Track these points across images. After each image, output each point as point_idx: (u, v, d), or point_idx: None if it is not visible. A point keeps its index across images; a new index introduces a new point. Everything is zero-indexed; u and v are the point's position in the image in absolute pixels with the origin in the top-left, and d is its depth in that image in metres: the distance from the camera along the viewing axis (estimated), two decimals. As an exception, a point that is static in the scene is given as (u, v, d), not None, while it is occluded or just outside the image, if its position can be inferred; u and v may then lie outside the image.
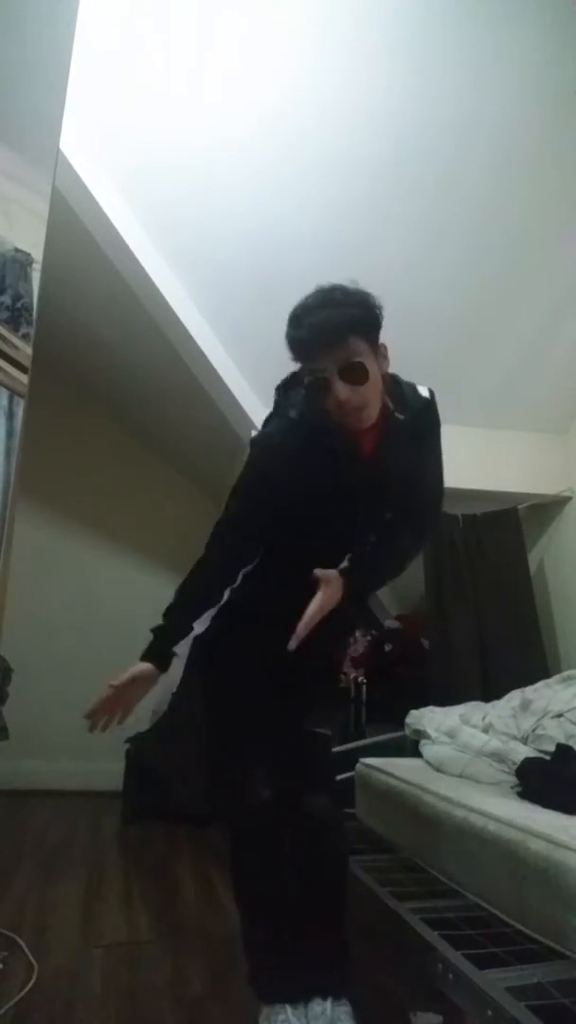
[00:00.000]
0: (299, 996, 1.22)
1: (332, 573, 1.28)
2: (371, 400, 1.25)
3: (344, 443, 1.28)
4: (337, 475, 1.29)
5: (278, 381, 1.43)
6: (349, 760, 2.36)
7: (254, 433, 1.44)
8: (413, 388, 1.39)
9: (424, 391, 1.40)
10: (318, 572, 1.25)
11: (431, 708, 2.56)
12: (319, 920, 1.33)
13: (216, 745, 1.43)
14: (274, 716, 1.36)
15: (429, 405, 1.39)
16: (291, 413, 1.32)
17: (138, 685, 1.32)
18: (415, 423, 1.35)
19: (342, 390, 1.20)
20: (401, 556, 1.48)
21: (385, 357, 1.29)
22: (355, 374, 1.21)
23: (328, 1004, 1.24)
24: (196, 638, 1.44)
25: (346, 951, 1.31)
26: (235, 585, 1.38)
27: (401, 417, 1.32)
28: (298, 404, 1.31)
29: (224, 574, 1.37)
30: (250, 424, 2.84)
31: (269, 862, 1.31)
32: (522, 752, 2.00)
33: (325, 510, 1.31)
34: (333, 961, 1.30)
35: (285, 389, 1.38)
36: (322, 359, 1.20)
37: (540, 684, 2.40)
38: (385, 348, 1.30)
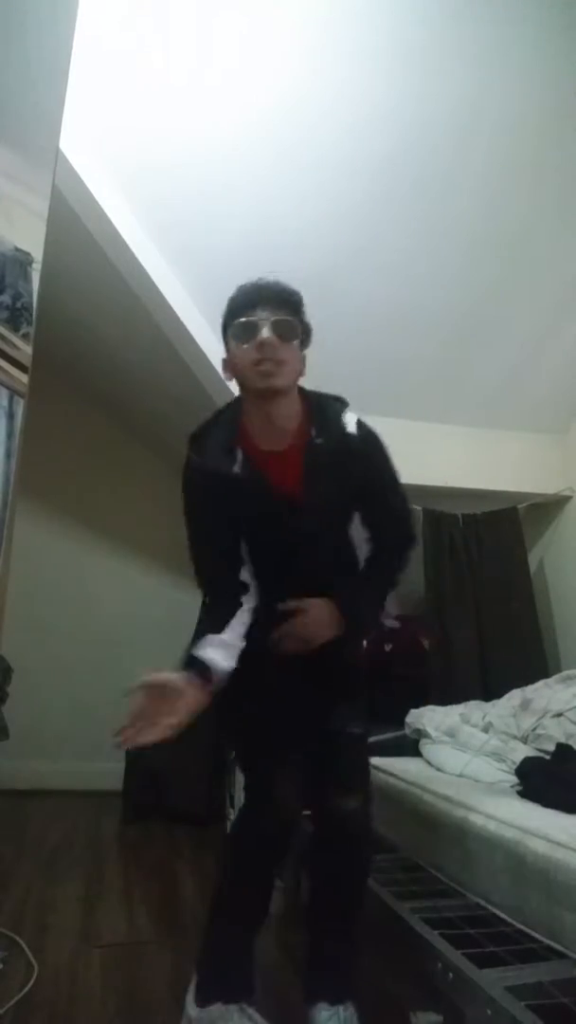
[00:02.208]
0: (242, 997, 1.25)
1: (313, 602, 1.29)
2: (288, 373, 1.27)
3: (261, 485, 1.30)
4: (260, 510, 1.31)
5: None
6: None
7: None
8: (338, 418, 1.35)
9: (350, 424, 1.35)
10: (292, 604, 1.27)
11: (431, 708, 2.56)
12: (332, 927, 1.34)
13: (236, 756, 1.43)
14: (288, 725, 1.33)
15: (349, 436, 1.34)
16: (206, 458, 1.33)
17: (164, 693, 1.17)
18: (341, 450, 1.32)
19: (267, 334, 1.23)
20: (388, 572, 1.45)
21: (302, 363, 1.33)
22: (285, 329, 1.25)
23: (339, 1009, 1.26)
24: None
25: (355, 958, 1.33)
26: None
27: (320, 442, 1.31)
28: (212, 452, 1.33)
29: (222, 582, 1.36)
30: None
31: (262, 884, 1.34)
32: (522, 752, 2.00)
33: (264, 541, 1.33)
34: (342, 968, 1.32)
35: (194, 443, 1.38)
36: (257, 309, 1.25)
37: (540, 684, 2.40)
38: (304, 358, 1.33)
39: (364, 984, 1.35)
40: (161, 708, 1.15)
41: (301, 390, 1.36)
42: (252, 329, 1.24)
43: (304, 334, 1.31)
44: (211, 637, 1.26)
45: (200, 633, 1.28)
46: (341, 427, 1.34)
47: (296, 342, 1.28)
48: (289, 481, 1.30)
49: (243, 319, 1.26)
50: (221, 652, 1.24)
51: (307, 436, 1.32)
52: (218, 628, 1.27)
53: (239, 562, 1.35)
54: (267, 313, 1.25)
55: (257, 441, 1.32)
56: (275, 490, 1.31)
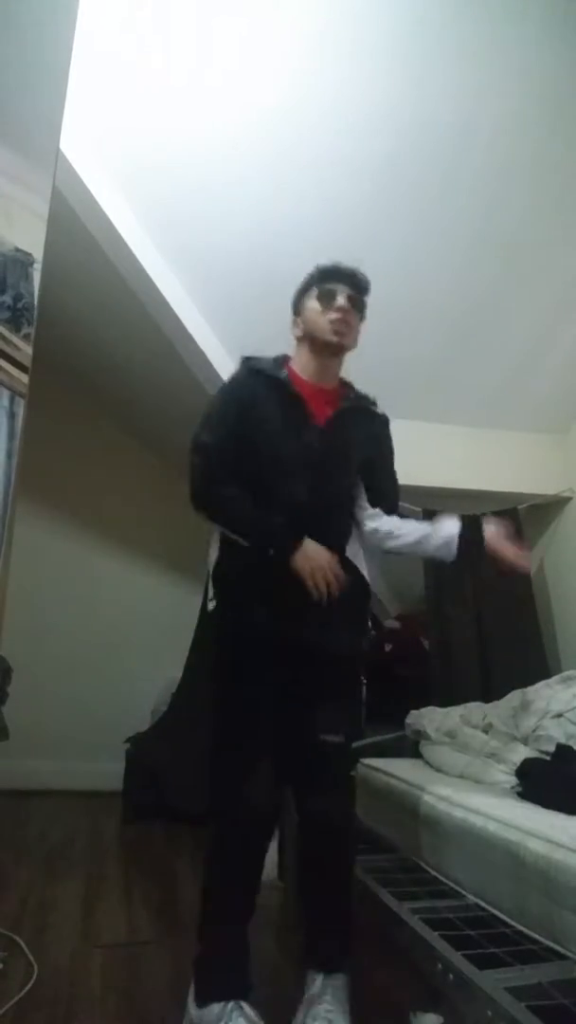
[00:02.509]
0: (239, 995, 1.27)
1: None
2: (353, 336, 1.53)
3: (298, 399, 1.49)
4: (289, 428, 1.46)
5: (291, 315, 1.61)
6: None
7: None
8: (367, 397, 1.63)
9: (378, 408, 1.63)
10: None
11: (431, 708, 2.56)
12: (321, 903, 1.40)
13: (217, 740, 1.44)
14: (277, 713, 1.37)
15: (377, 412, 1.62)
16: (253, 367, 1.54)
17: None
18: (368, 416, 1.60)
19: (344, 301, 1.49)
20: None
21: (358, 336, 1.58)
22: (358, 303, 1.52)
23: (319, 977, 1.30)
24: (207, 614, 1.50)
25: (345, 934, 1.38)
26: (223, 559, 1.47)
27: (353, 398, 1.58)
28: (263, 365, 1.54)
29: (230, 461, 1.47)
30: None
31: (245, 882, 1.36)
32: (522, 752, 2.00)
33: (282, 464, 1.44)
34: (331, 939, 1.37)
35: (246, 360, 1.58)
36: (339, 282, 1.51)
37: (540, 684, 2.40)
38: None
39: (364, 984, 1.35)
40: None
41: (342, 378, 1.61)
42: (333, 295, 1.50)
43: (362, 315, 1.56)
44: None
45: (258, 519, 1.41)
46: (370, 401, 1.62)
47: (359, 316, 1.54)
48: (321, 410, 1.50)
49: (326, 286, 1.51)
50: None
51: (344, 391, 1.58)
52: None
53: (240, 464, 1.46)
54: (345, 287, 1.51)
55: (303, 376, 1.54)
56: (307, 405, 1.49)
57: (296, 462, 1.44)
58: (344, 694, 1.48)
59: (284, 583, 1.33)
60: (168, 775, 3.23)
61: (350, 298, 1.50)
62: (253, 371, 1.53)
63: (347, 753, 1.46)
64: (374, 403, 1.62)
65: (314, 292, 1.52)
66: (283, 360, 1.58)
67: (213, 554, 1.50)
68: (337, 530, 1.50)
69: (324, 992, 1.29)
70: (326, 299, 1.50)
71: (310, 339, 1.53)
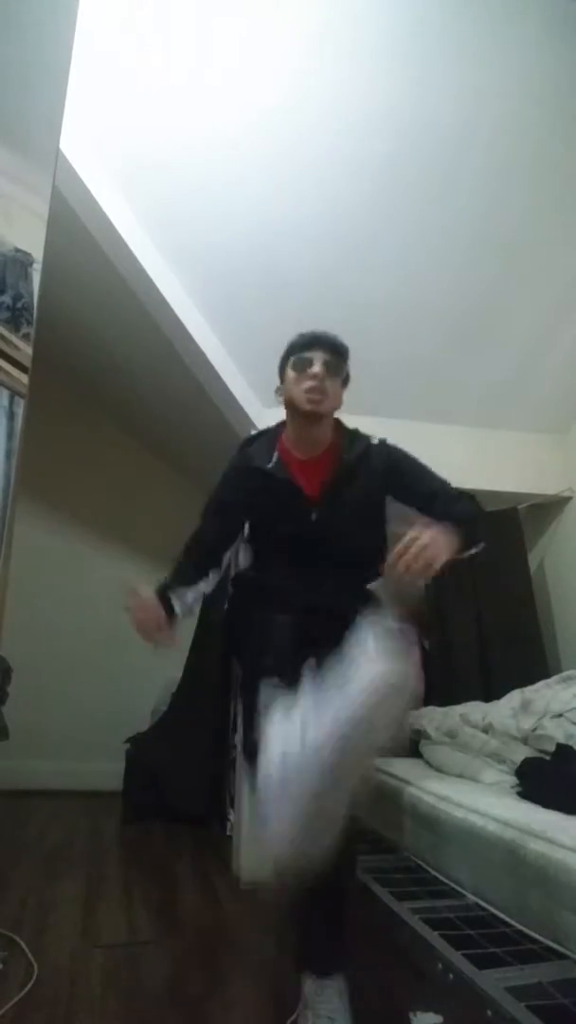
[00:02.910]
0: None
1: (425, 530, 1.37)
2: (331, 401, 1.54)
3: (288, 486, 1.55)
4: (286, 515, 1.54)
5: (277, 380, 1.63)
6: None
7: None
8: (365, 437, 1.63)
9: (374, 439, 1.63)
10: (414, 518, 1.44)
11: (431, 708, 2.56)
12: (316, 907, 1.37)
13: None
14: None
15: (373, 447, 1.61)
16: (250, 462, 1.60)
17: (151, 609, 1.50)
18: (365, 459, 1.59)
19: (319, 368, 1.52)
20: (470, 516, 1.52)
21: (341, 398, 1.60)
22: (332, 367, 1.54)
23: (312, 979, 1.31)
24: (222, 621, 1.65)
25: (341, 936, 1.36)
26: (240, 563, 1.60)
27: (347, 455, 1.58)
28: (256, 454, 1.61)
29: (210, 542, 1.63)
30: (249, 423, 2.85)
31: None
32: (522, 752, 2.00)
33: (288, 545, 1.55)
34: (326, 942, 1.35)
35: (245, 446, 1.66)
36: (314, 350, 1.54)
37: (540, 684, 2.40)
38: (342, 395, 1.62)
39: (364, 984, 1.35)
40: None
41: (337, 420, 1.64)
42: (307, 363, 1.53)
43: (345, 377, 1.59)
44: (188, 589, 1.56)
45: (181, 576, 1.57)
46: (366, 440, 1.62)
47: (339, 379, 1.57)
48: (315, 485, 1.55)
49: (302, 355, 1.54)
50: (191, 596, 1.56)
51: (338, 451, 1.59)
52: (196, 578, 1.58)
53: (231, 542, 1.63)
54: (320, 353, 1.53)
55: (293, 451, 1.59)
56: (299, 489, 1.54)
57: (300, 542, 1.52)
58: None
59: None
60: (168, 775, 3.23)
61: (326, 363, 1.52)
62: (245, 463, 1.61)
63: None
64: (367, 439, 1.62)
65: (292, 361, 1.56)
66: (276, 439, 1.62)
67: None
68: (354, 586, 1.57)
69: (323, 992, 1.29)
70: (301, 367, 1.53)
71: (291, 407, 1.58)
